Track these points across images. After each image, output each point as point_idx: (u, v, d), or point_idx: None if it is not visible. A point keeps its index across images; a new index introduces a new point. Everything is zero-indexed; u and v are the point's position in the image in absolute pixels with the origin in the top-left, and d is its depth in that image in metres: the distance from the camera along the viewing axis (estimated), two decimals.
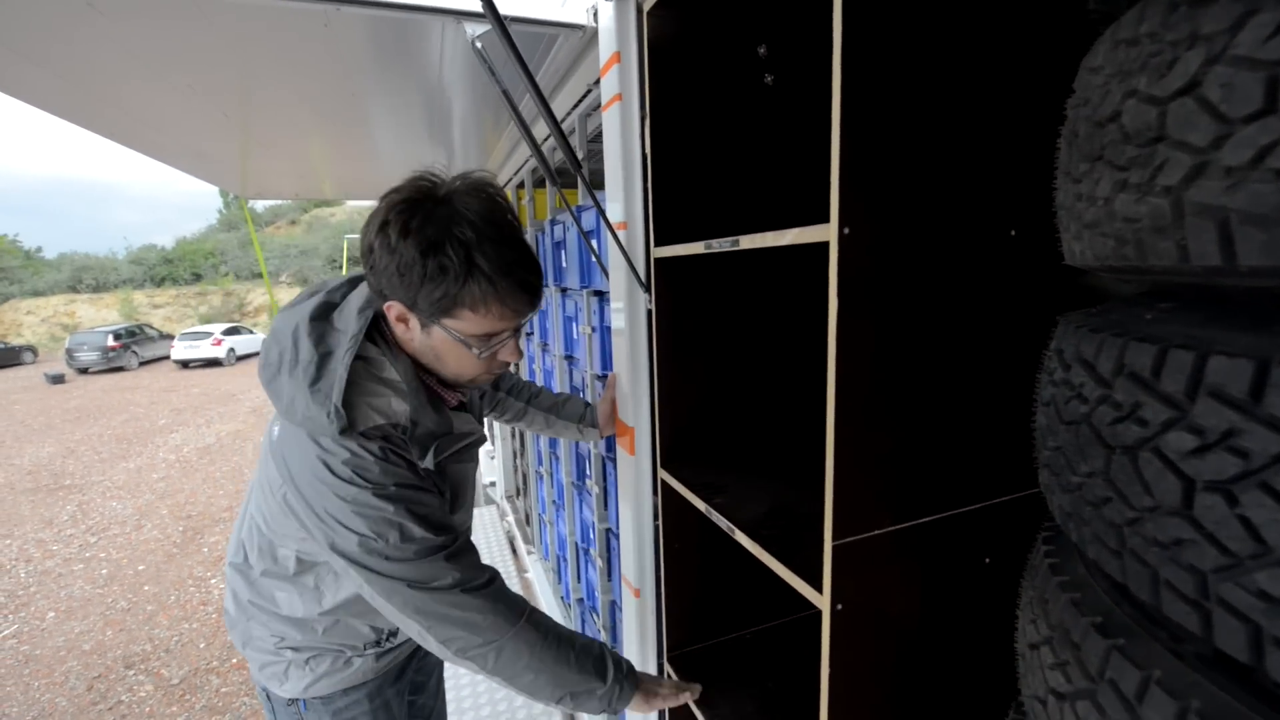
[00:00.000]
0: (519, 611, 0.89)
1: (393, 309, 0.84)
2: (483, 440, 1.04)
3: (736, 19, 1.04)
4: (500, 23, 0.90)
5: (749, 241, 0.78)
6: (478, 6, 0.98)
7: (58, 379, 15.22)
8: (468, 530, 1.09)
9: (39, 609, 4.36)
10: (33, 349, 20.92)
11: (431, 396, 0.92)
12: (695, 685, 1.04)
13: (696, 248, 0.91)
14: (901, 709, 0.74)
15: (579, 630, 2.42)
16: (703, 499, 0.97)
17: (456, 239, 0.77)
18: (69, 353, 16.91)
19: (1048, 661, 0.55)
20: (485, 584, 0.88)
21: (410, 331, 0.86)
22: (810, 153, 1.11)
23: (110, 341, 16.96)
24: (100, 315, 27.23)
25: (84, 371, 16.80)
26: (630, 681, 0.96)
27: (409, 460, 0.85)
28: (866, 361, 0.63)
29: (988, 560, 0.75)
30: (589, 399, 1.83)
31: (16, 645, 3.93)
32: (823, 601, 0.68)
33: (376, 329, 0.88)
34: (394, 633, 1.05)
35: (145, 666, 3.63)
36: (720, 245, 0.84)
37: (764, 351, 1.19)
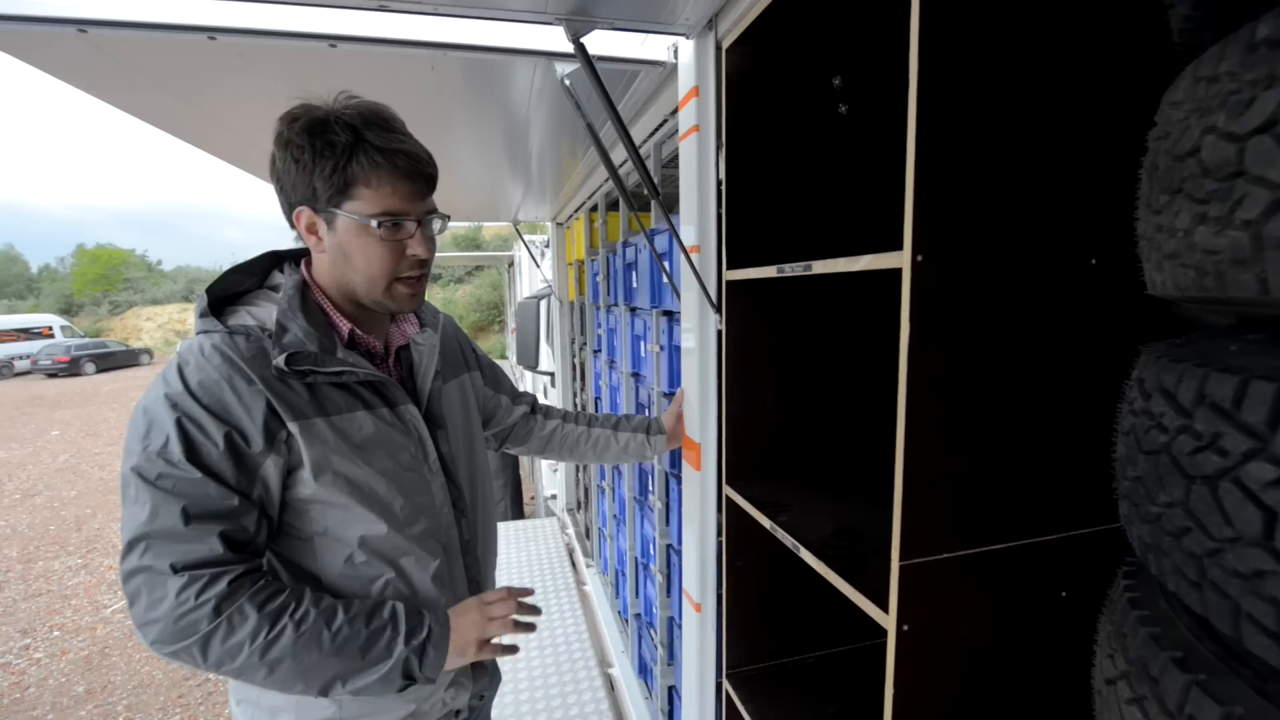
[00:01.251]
0: (243, 589, 0.78)
1: (301, 216, 0.86)
2: (395, 395, 0.94)
3: (812, 52, 1.08)
4: (590, 63, 0.98)
5: (821, 267, 0.80)
6: (569, 48, 1.06)
7: None
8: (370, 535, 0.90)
9: None
10: (149, 351, 23.18)
11: (317, 314, 0.89)
12: (527, 588, 0.99)
13: (769, 271, 0.94)
14: None
15: (630, 646, 2.42)
16: (768, 516, 0.99)
17: (341, 120, 0.82)
18: None
19: (1124, 696, 0.53)
20: (194, 565, 0.76)
21: (320, 240, 0.87)
22: (882, 179, 1.13)
23: None
24: None
25: None
26: (441, 622, 0.87)
27: (251, 369, 0.81)
28: (939, 385, 0.65)
29: (1064, 594, 0.73)
30: (653, 415, 1.88)
31: (123, 619, 4.32)
32: (889, 621, 0.68)
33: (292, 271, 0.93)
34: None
35: None
36: (792, 270, 0.87)
37: (831, 372, 1.20)
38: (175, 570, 0.75)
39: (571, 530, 4.02)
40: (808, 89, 1.09)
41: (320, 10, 1.00)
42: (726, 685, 1.20)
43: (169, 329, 30.17)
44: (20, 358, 19.50)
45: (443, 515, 0.98)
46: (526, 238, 4.52)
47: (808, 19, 1.02)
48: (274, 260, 0.95)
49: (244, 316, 0.86)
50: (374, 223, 0.84)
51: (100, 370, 19.81)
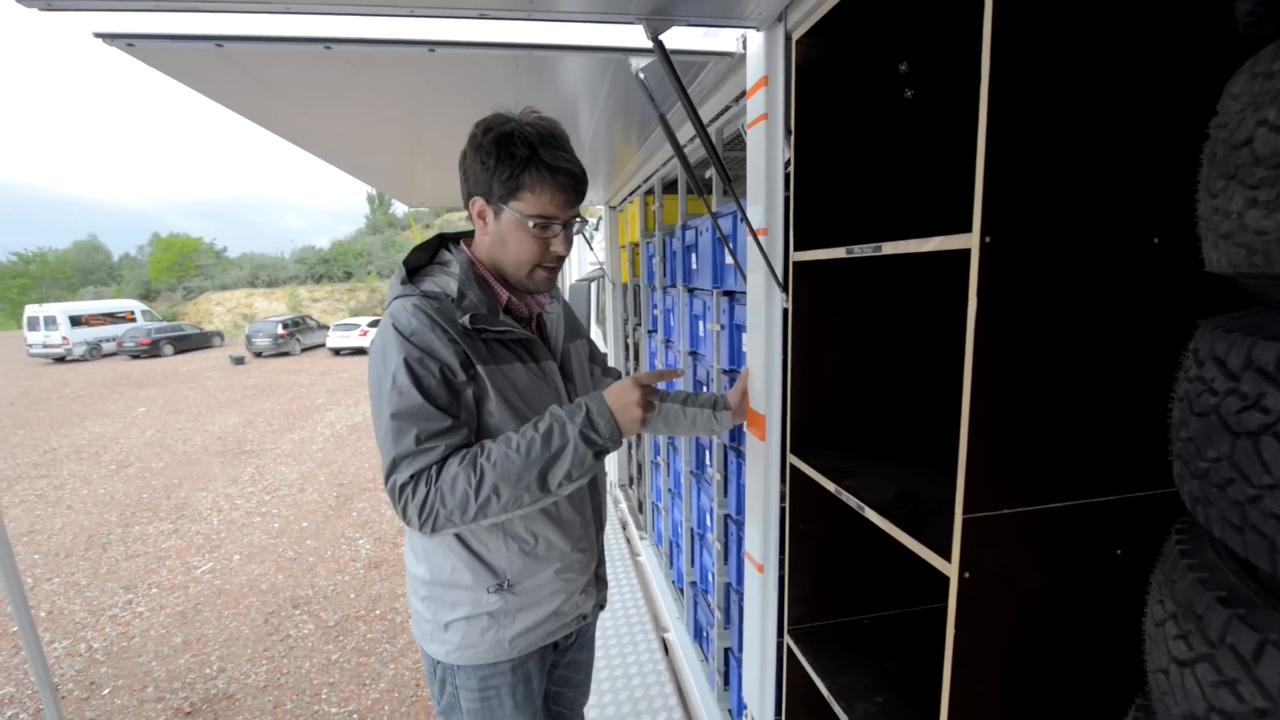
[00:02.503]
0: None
1: (475, 204, 1.07)
2: (539, 352, 1.15)
3: (880, 40, 1.12)
4: (668, 59, 1.05)
5: (891, 248, 0.86)
6: (643, 44, 1.14)
7: (239, 360, 17.84)
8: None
9: (228, 551, 5.19)
10: (220, 334, 24.60)
11: (485, 286, 1.11)
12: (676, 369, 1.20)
13: (838, 252, 1.01)
14: (1025, 681, 0.80)
15: (686, 613, 2.53)
16: (832, 481, 1.06)
17: (523, 135, 1.01)
18: (248, 338, 19.80)
19: (1171, 634, 0.60)
20: (423, 474, 0.99)
21: (487, 225, 1.08)
22: (948, 162, 1.17)
23: (280, 330, 19.65)
24: (272, 307, 31.41)
25: (259, 355, 19.51)
26: (598, 404, 1.04)
27: (445, 323, 1.02)
28: (1004, 356, 0.70)
29: (1119, 551, 0.78)
30: (712, 390, 1.96)
31: (211, 579, 4.71)
32: (951, 570, 0.76)
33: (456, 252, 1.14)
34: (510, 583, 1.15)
35: (308, 608, 4.22)
36: (862, 250, 0.94)
37: (892, 347, 1.25)
38: (413, 480, 0.99)
39: (625, 505, 4.16)
40: (874, 75, 1.14)
41: (423, 19, 1.10)
42: (788, 640, 1.29)
43: (237, 313, 31.84)
44: (107, 340, 20.98)
45: None
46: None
47: (877, 8, 1.07)
48: (440, 241, 1.17)
49: (430, 284, 1.09)
50: (530, 223, 1.05)
51: (178, 352, 21.17)
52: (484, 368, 1.05)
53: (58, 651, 3.76)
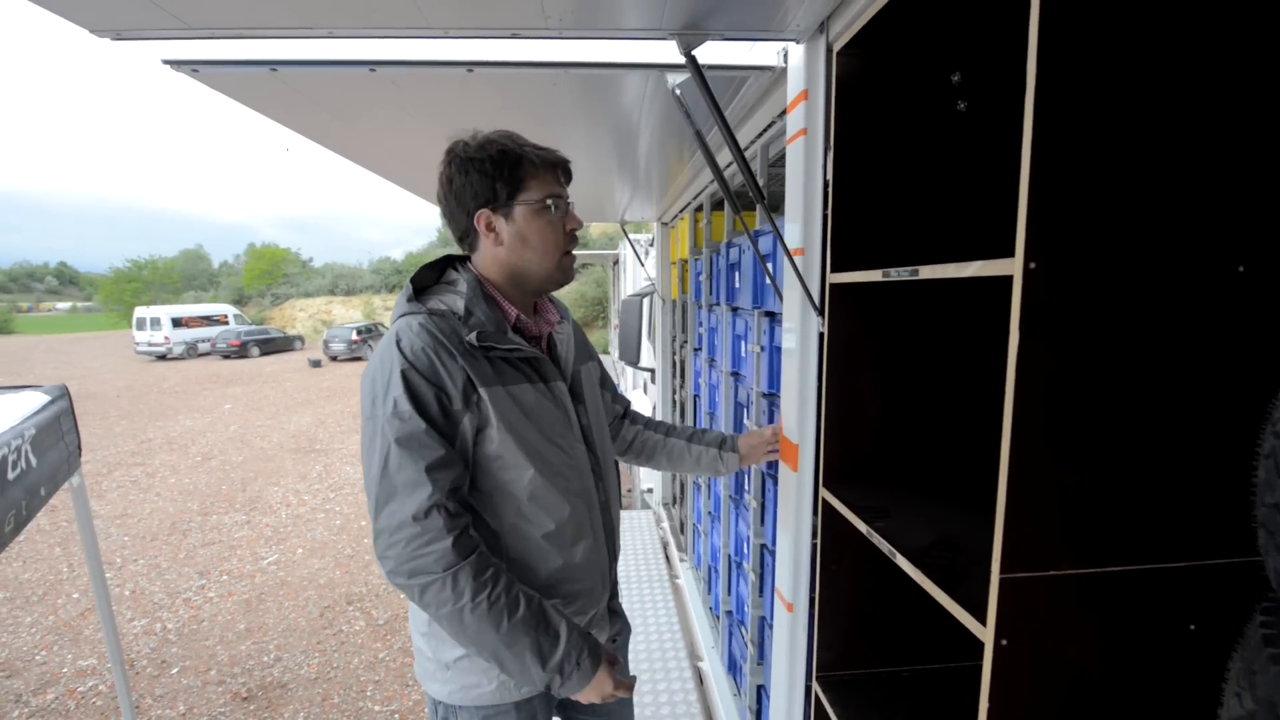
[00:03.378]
0: (464, 552, 0.95)
1: (482, 219, 1.06)
2: (549, 372, 1.11)
3: (929, 49, 1.05)
4: (700, 73, 1.02)
5: (928, 272, 0.79)
6: (681, 60, 1.11)
7: (316, 363, 18.97)
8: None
9: (292, 545, 5.46)
10: (301, 338, 26.31)
11: (493, 304, 1.09)
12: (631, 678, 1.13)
13: (874, 275, 0.94)
14: None
15: (721, 643, 2.44)
16: (865, 521, 0.98)
17: (502, 138, 1.05)
18: (325, 343, 21.04)
19: None
20: (429, 510, 0.94)
21: (499, 234, 1.07)
22: (1001, 178, 1.08)
23: (353, 336, 20.77)
24: (348, 314, 33.30)
25: (334, 359, 20.66)
26: (582, 669, 1.01)
27: (450, 343, 0.99)
28: (1050, 396, 0.62)
29: (1192, 627, 0.68)
30: (753, 415, 1.89)
31: (276, 570, 4.96)
32: (986, 635, 0.67)
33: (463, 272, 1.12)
34: None
35: (360, 606, 4.37)
36: (898, 274, 0.87)
37: (935, 375, 1.16)
38: (414, 519, 0.94)
39: (666, 524, 4.10)
40: (922, 87, 1.07)
41: (461, 41, 1.12)
42: (816, 687, 1.21)
43: (317, 319, 33.95)
44: (202, 341, 22.84)
45: (586, 476, 1.15)
46: (631, 236, 4.64)
47: (926, 16, 1.00)
48: (447, 261, 1.16)
49: (437, 303, 1.07)
50: (547, 202, 1.06)
51: (263, 354, 22.76)
52: (487, 390, 1.01)
53: (136, 629, 4.04)
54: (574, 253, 1.14)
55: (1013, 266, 0.62)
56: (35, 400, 2.03)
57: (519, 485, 1.05)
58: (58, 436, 2.06)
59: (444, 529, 0.94)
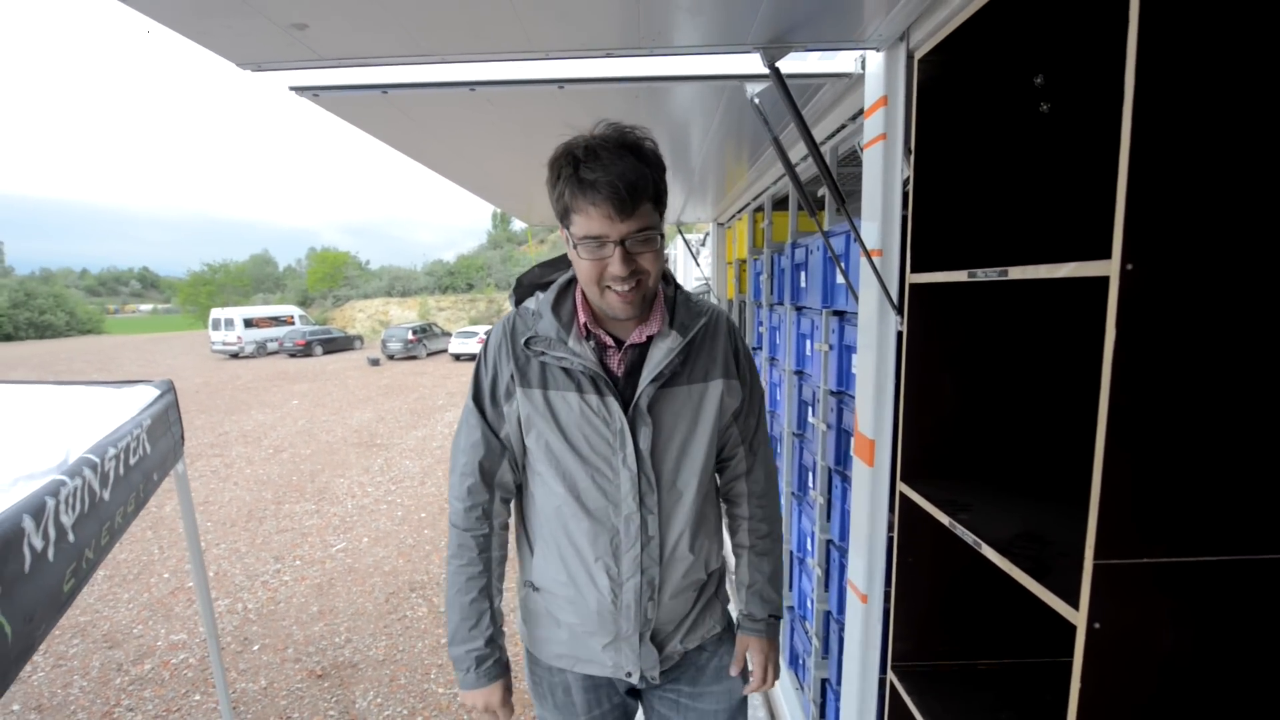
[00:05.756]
0: (466, 523, 1.15)
1: (564, 232, 1.04)
2: (602, 387, 1.05)
3: (1012, 53, 1.06)
4: (784, 85, 1.07)
5: (1018, 273, 0.82)
6: (759, 70, 1.17)
7: (374, 362, 19.78)
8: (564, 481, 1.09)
9: (358, 534, 5.73)
10: (360, 338, 27.50)
11: (568, 308, 1.10)
12: None
13: (958, 276, 0.97)
14: None
15: (782, 637, 2.46)
16: (946, 513, 1.01)
17: (570, 155, 0.95)
18: (383, 343, 21.95)
19: None
20: (460, 475, 1.15)
21: (571, 250, 1.03)
22: (1087, 179, 1.09)
23: (409, 336, 21.60)
24: (404, 314, 34.54)
25: (391, 358, 21.51)
26: (466, 676, 1.16)
27: (513, 338, 1.10)
28: (1145, 391, 0.65)
29: None
30: (819, 412, 1.92)
31: (344, 558, 5.22)
32: (1079, 619, 0.70)
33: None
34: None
35: (423, 593, 4.56)
36: (985, 275, 0.90)
37: (1017, 373, 1.17)
38: (452, 475, 1.17)
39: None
40: (1004, 90, 1.08)
41: (555, 61, 1.20)
42: (891, 677, 1.23)
43: (375, 319, 35.34)
44: (271, 340, 24.21)
45: (625, 504, 1.07)
46: (685, 236, 4.70)
47: (1009, 22, 1.02)
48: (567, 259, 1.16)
49: (530, 300, 1.15)
50: (575, 245, 0.98)
51: (326, 352, 23.92)
52: (524, 390, 1.07)
53: (220, 609, 4.34)
54: (629, 288, 0.99)
55: (1109, 268, 0.65)
56: (148, 394, 2.24)
57: (544, 487, 1.13)
58: (166, 426, 2.26)
59: (463, 495, 1.14)
